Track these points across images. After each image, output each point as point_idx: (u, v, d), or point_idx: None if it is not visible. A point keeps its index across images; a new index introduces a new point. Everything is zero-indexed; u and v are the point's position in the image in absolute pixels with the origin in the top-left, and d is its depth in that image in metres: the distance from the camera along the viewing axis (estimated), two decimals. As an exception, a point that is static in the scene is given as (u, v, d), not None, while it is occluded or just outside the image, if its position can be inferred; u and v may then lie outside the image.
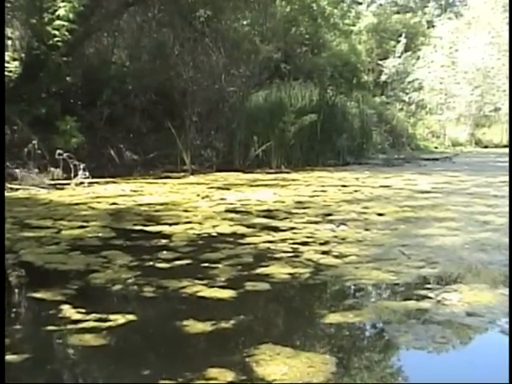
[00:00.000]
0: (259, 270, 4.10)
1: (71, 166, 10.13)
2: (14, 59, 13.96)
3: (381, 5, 35.65)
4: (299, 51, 22.76)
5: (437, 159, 18.01)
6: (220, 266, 4.22)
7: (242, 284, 3.76)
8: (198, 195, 8.52)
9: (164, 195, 8.55)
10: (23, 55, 13.44)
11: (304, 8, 20.07)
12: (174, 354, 2.81)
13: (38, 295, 3.57)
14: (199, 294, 3.57)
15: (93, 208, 7.23)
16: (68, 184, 9.70)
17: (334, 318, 3.19)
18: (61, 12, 10.40)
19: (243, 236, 5.33)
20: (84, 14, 11.81)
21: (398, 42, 30.16)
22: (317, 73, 21.90)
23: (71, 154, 10.48)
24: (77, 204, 7.57)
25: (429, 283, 3.85)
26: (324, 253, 4.60)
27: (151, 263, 4.32)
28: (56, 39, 10.57)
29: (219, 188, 9.65)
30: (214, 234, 5.46)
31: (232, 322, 3.11)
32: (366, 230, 5.67)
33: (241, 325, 3.12)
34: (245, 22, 16.33)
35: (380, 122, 21.06)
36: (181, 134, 13.11)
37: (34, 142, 10.77)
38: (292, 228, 5.72)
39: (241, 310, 3.40)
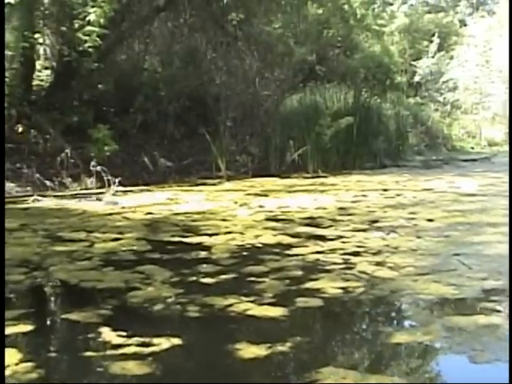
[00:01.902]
0: (309, 284, 3.83)
1: (104, 175, 9.93)
2: (46, 68, 13.88)
3: (412, 5, 35.15)
4: (332, 53, 22.50)
5: (475, 160, 17.60)
6: (267, 280, 3.95)
7: (292, 300, 3.49)
8: (236, 202, 8.23)
9: (200, 203, 8.27)
10: (54, 63, 13.34)
11: (336, 10, 19.75)
12: (229, 382, 2.54)
13: (72, 317, 3.30)
14: (248, 312, 3.29)
15: (127, 218, 6.95)
16: (102, 193, 9.45)
17: (401, 337, 2.91)
18: (91, 17, 10.21)
19: (289, 246, 5.04)
20: (115, 20, 11.64)
21: (431, 41, 29.70)
22: (350, 75, 21.61)
23: (105, 162, 10.32)
24: (110, 214, 7.30)
25: (495, 295, 3.58)
26: (378, 264, 4.30)
27: (193, 278, 4.05)
28: (87, 45, 10.38)
29: (256, 194, 9.36)
30: (258, 245, 5.16)
31: (288, 344, 2.82)
32: (418, 237, 5.36)
33: (298, 347, 2.84)
34: (277, 25, 16.06)
35: (415, 124, 20.74)
36: (215, 140, 12.89)
37: (67, 150, 10.62)
38: (340, 237, 5.41)
39: (295, 329, 3.13)
